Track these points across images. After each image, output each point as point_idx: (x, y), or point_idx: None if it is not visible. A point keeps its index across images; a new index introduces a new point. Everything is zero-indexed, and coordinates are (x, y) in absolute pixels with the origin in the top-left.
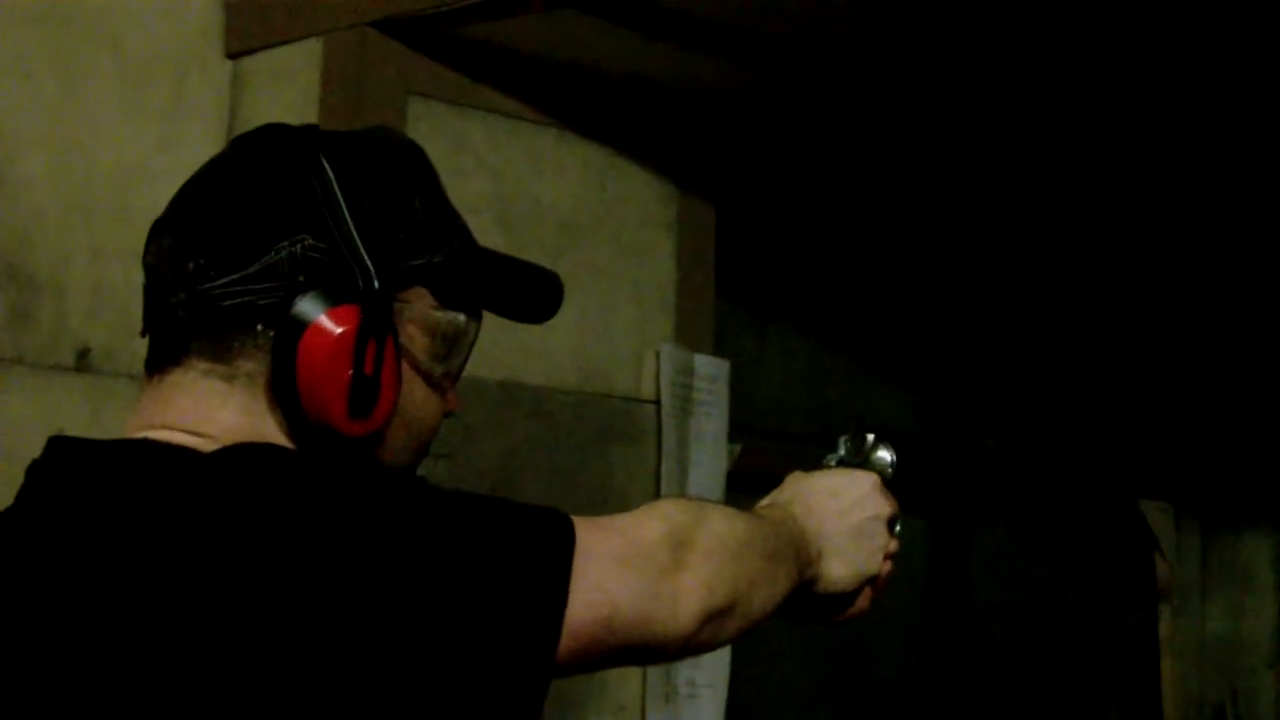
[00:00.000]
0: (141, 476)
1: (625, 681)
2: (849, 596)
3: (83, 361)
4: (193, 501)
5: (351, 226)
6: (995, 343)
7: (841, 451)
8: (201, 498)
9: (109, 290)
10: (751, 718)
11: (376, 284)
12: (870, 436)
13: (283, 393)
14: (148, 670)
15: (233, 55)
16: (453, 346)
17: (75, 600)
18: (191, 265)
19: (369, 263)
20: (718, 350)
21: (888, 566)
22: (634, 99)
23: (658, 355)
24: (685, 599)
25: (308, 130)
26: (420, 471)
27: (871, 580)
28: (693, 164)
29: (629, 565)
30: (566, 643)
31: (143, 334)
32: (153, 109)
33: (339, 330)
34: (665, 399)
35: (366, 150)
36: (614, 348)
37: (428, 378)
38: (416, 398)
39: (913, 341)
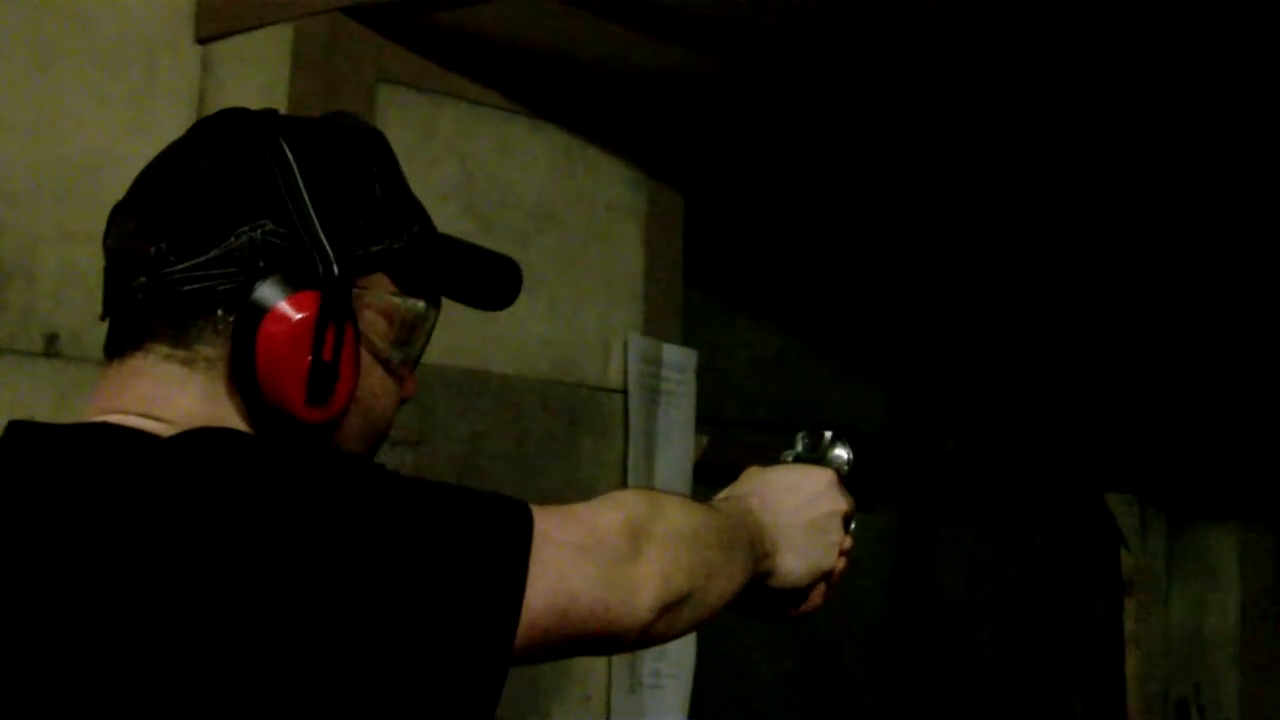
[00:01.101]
0: (99, 461)
1: (591, 671)
2: (803, 592)
3: (51, 346)
4: (150, 487)
5: (311, 212)
6: (962, 335)
7: (799, 447)
8: (159, 483)
9: (78, 275)
10: (717, 708)
11: (336, 270)
12: (828, 434)
13: (242, 378)
14: (101, 654)
15: (203, 40)
16: (412, 333)
17: (31, 585)
18: (153, 249)
19: (329, 249)
20: (686, 340)
21: (842, 563)
22: (604, 88)
23: (625, 344)
24: (642, 588)
25: (268, 115)
26: (387, 459)
27: (825, 576)
28: (662, 153)
29: (587, 554)
30: (524, 631)
31: (103, 317)
32: (124, 93)
33: (298, 316)
34: (632, 388)
35: (327, 136)
36: (582, 336)
37: (386, 364)
38: (374, 384)
39: (881, 333)
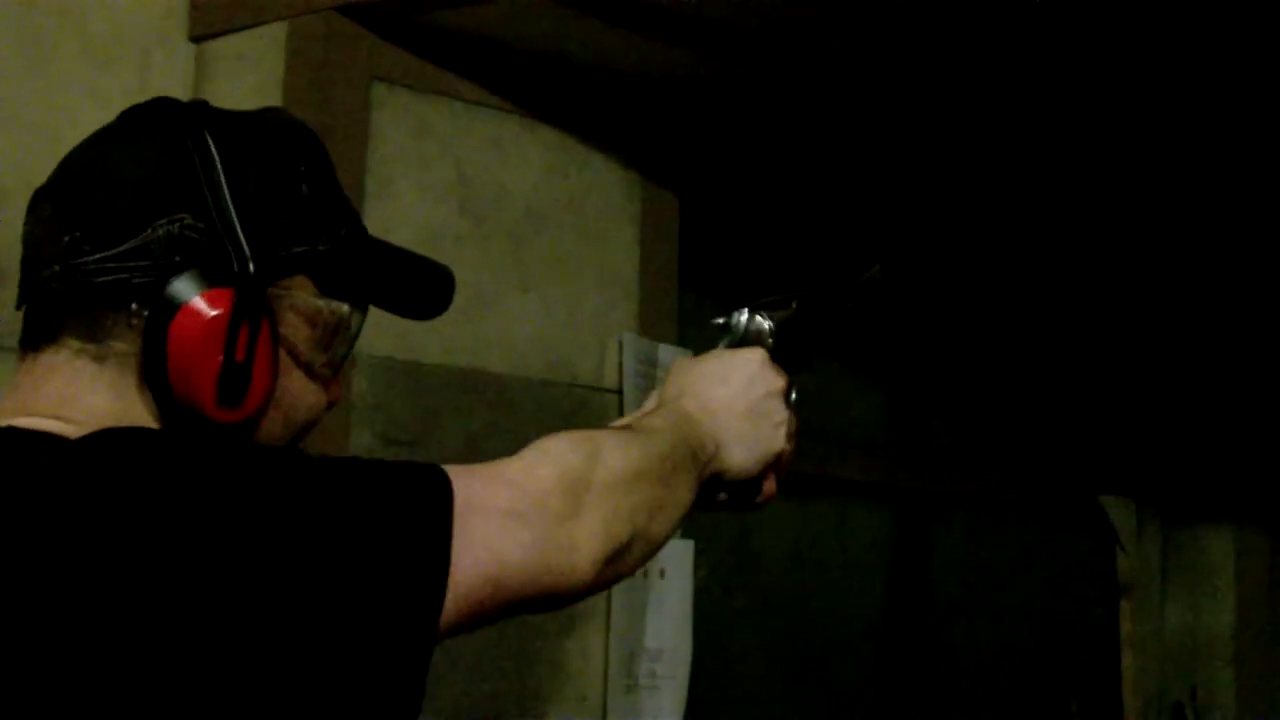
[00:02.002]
0: (4, 467)
1: (587, 672)
2: (756, 481)
3: None
4: (53, 490)
5: (231, 208)
6: (960, 335)
7: (721, 336)
8: (62, 485)
9: None
10: (713, 709)
11: (252, 268)
12: (742, 314)
13: (153, 376)
14: (10, 659)
15: (197, 38)
16: (334, 336)
17: None
18: (67, 238)
19: (245, 246)
20: (681, 341)
21: (790, 445)
22: (599, 88)
23: (620, 344)
24: (583, 545)
25: (197, 106)
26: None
27: (777, 459)
28: (657, 154)
29: (518, 518)
30: (455, 605)
31: (18, 306)
32: (117, 91)
33: (211, 314)
34: (627, 388)
35: (255, 131)
36: (577, 336)
37: (308, 368)
38: (295, 387)
39: (878, 334)
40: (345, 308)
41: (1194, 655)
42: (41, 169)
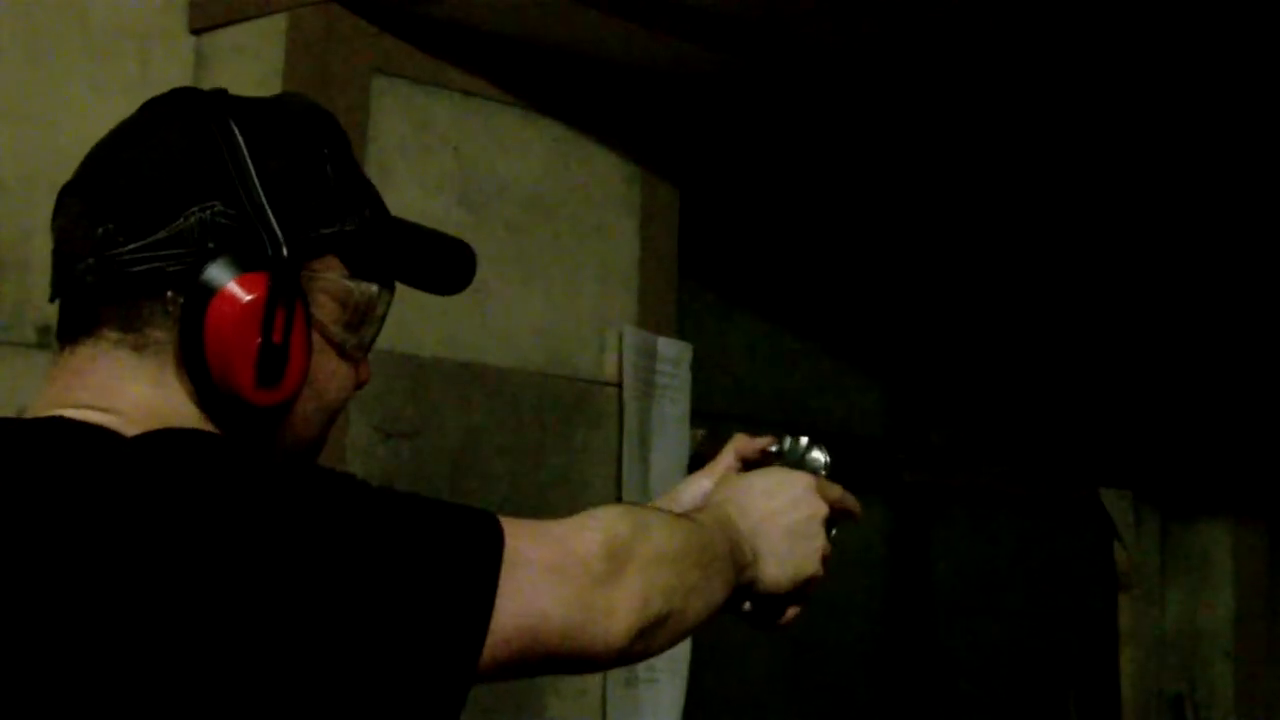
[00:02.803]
0: (60, 460)
1: None
2: (782, 600)
3: (45, 338)
4: (116, 492)
5: (260, 192)
6: (958, 329)
7: (785, 455)
8: (124, 489)
9: None
10: (712, 704)
11: (285, 251)
12: (803, 439)
13: (191, 361)
14: (57, 657)
15: (197, 30)
16: (364, 316)
17: None
18: (100, 231)
19: (278, 229)
20: (680, 333)
21: (822, 571)
22: (599, 80)
23: (620, 337)
24: (619, 612)
25: (218, 95)
26: (382, 451)
27: (807, 583)
28: (657, 146)
29: (561, 576)
30: (492, 651)
31: (51, 300)
32: (118, 83)
33: (247, 298)
34: (627, 381)
35: (277, 116)
36: (576, 329)
37: (339, 348)
38: (327, 368)
39: (877, 327)
40: (374, 287)
41: (1193, 649)
42: (41, 161)
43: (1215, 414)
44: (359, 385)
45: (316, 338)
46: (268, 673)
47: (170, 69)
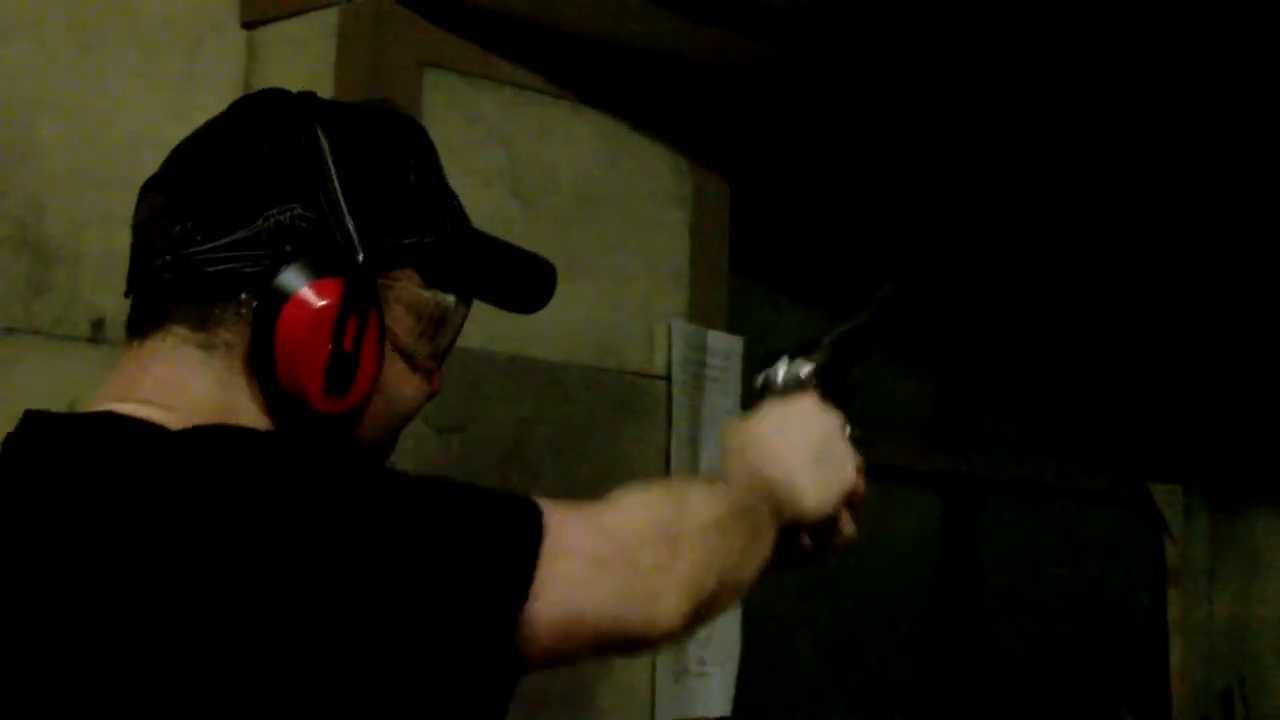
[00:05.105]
0: (103, 456)
1: (635, 661)
2: (833, 524)
3: (96, 331)
4: (152, 484)
5: (341, 199)
6: (1010, 321)
7: (764, 391)
8: (161, 481)
9: (123, 259)
10: (761, 697)
11: (361, 259)
12: (780, 365)
13: (260, 364)
14: (98, 651)
15: (248, 24)
16: (439, 328)
17: (32, 582)
18: (179, 228)
19: (355, 237)
20: (731, 326)
21: (860, 480)
22: (648, 72)
23: (669, 331)
24: (669, 596)
25: (307, 98)
26: (433, 445)
27: (850, 495)
28: (707, 138)
29: (606, 566)
30: (534, 642)
31: (127, 294)
32: (167, 77)
33: (321, 303)
34: (676, 375)
35: (364, 123)
36: (626, 322)
37: (411, 359)
38: (398, 378)
39: (929, 319)
40: (450, 300)
41: (1242, 643)
42: (92, 155)
43: (1266, 406)
44: (431, 396)
45: (389, 347)
46: (302, 668)
47: (221, 63)
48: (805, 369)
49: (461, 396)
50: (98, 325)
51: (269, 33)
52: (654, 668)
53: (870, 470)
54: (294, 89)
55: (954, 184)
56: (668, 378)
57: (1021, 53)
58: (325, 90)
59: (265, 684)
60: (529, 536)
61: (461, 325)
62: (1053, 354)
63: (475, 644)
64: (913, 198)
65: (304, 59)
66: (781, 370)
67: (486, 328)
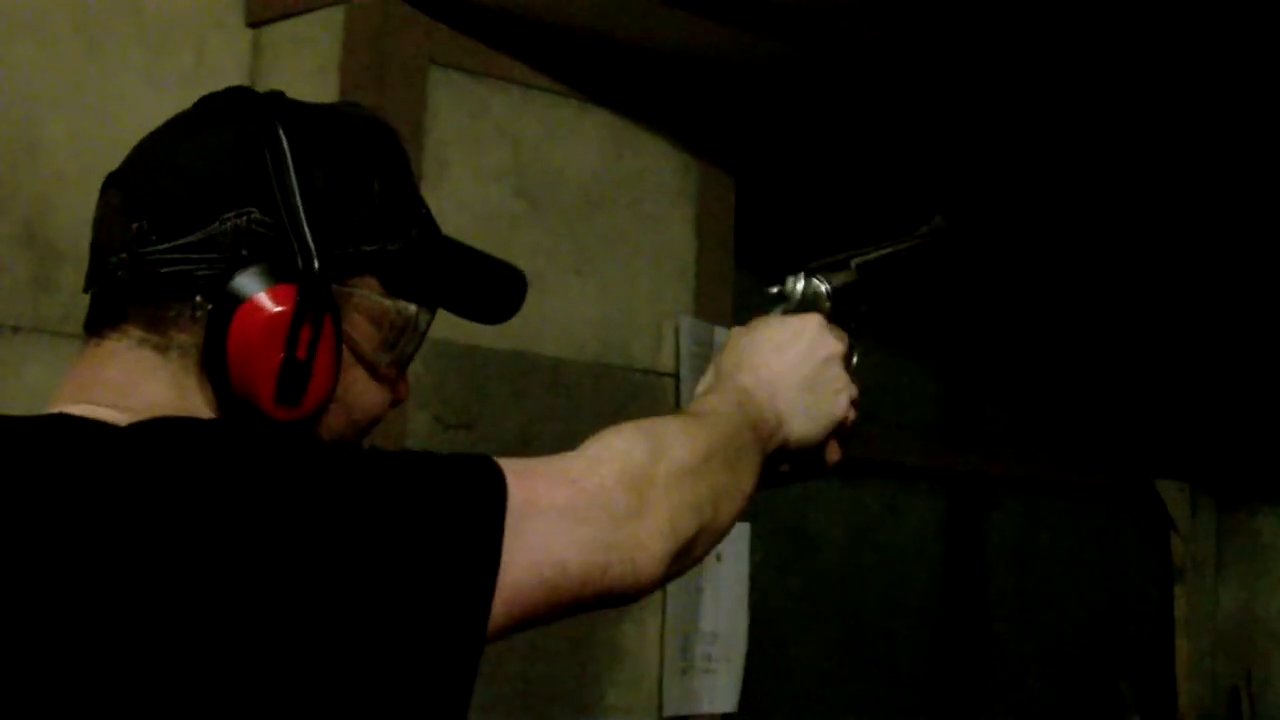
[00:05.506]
0: (53, 456)
1: (642, 655)
2: (819, 449)
3: None
4: (102, 477)
5: (299, 203)
6: (1015, 318)
7: (776, 304)
8: (111, 473)
9: None
10: (767, 693)
11: (316, 265)
12: (800, 277)
13: (213, 369)
14: (54, 652)
15: (254, 23)
16: (400, 336)
17: None
18: (135, 226)
19: (311, 243)
20: (737, 322)
21: (853, 412)
22: (653, 70)
23: (676, 327)
24: (648, 544)
25: (272, 98)
26: (440, 441)
27: (839, 426)
28: (712, 135)
29: (579, 518)
30: (506, 607)
31: (85, 290)
32: (174, 75)
33: (274, 310)
34: (684, 372)
35: (329, 125)
36: (632, 319)
37: (371, 368)
38: (357, 387)
39: (934, 317)
40: (412, 308)
41: (1249, 640)
42: (98, 153)
43: (1272, 404)
44: (395, 403)
45: (347, 355)
46: (264, 647)
47: (226, 61)
48: (824, 286)
49: (468, 394)
50: None
51: (274, 31)
52: (662, 662)
53: (876, 468)
54: (299, 87)
55: (960, 181)
56: (675, 374)
57: (1028, 52)
58: (330, 89)
59: (229, 669)
60: (492, 498)
61: (426, 332)
62: (1059, 352)
63: (448, 620)
64: (917, 195)
65: (309, 57)
66: (799, 284)
67: (493, 326)
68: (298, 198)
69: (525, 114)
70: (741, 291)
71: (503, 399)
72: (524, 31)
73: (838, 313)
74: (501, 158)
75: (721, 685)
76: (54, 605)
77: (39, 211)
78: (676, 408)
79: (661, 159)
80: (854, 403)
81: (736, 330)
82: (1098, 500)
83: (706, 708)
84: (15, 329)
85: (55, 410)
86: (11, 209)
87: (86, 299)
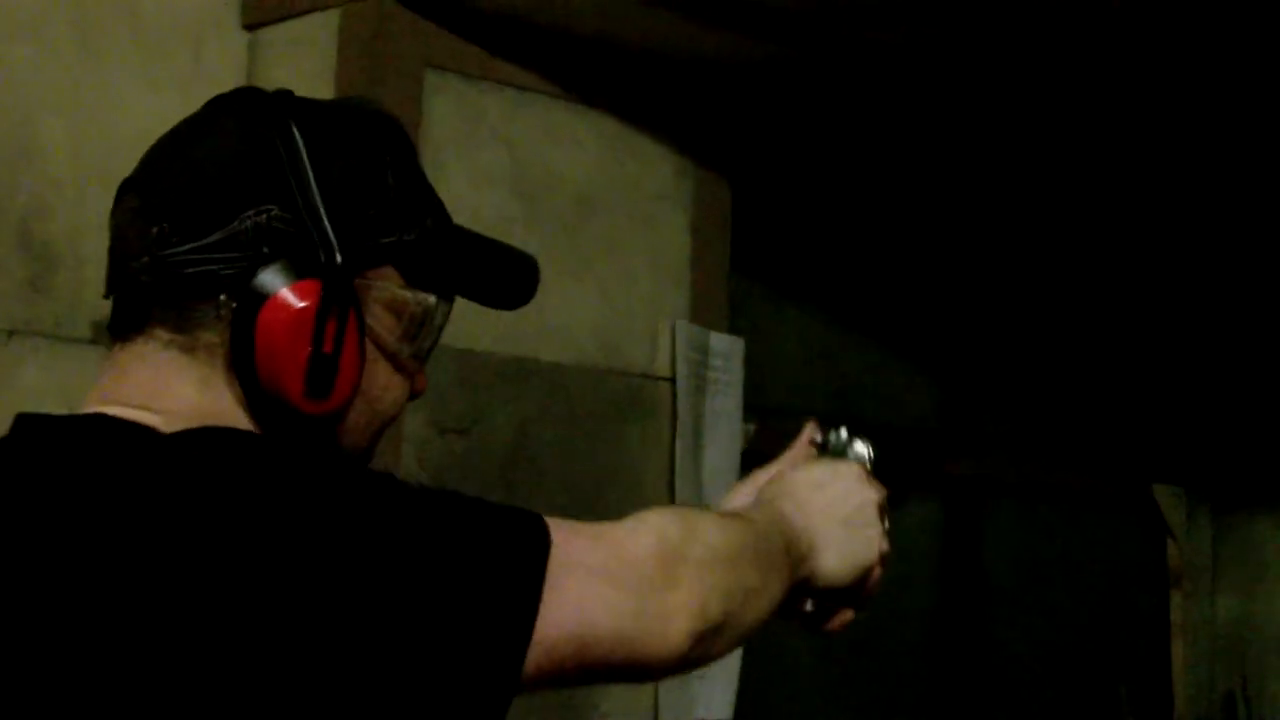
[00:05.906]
0: (97, 457)
1: None
2: (842, 595)
3: (98, 334)
4: (150, 488)
5: (318, 199)
6: (1011, 324)
7: (827, 446)
8: (159, 484)
9: None
10: (763, 699)
11: (339, 259)
12: (844, 431)
13: (241, 367)
14: (94, 656)
15: (250, 25)
16: (421, 328)
17: (26, 585)
18: (155, 230)
19: (332, 237)
20: (732, 327)
21: (880, 568)
22: (650, 73)
23: (672, 332)
24: (675, 619)
25: (282, 96)
26: (436, 447)
27: (867, 575)
28: (708, 139)
29: (613, 582)
30: (537, 660)
31: (106, 296)
32: (170, 78)
33: (299, 305)
34: (680, 376)
35: (340, 121)
36: (629, 323)
37: (393, 359)
38: (381, 378)
39: (929, 320)
40: (432, 299)
41: (1245, 645)
42: (94, 157)
43: (1268, 409)
44: (414, 395)
45: (370, 348)
46: (303, 683)
47: (223, 64)
48: (866, 450)
49: (464, 398)
50: (99, 327)
51: (271, 34)
52: None
53: (873, 472)
54: (296, 89)
55: (956, 185)
56: (671, 379)
57: (1027, 55)
58: (326, 91)
59: (266, 694)
60: (535, 551)
61: (444, 324)
62: (1055, 356)
63: (483, 665)
64: (914, 198)
65: (306, 60)
66: (843, 437)
67: (489, 329)
68: (316, 194)
69: (521, 117)
70: (736, 296)
71: (498, 404)
72: (520, 35)
73: (876, 474)
74: (498, 161)
75: (717, 692)
76: (88, 615)
77: (35, 215)
78: (673, 412)
79: (658, 163)
80: (883, 558)
81: (775, 474)
82: (1095, 505)
83: (701, 715)
84: (10, 332)
85: (91, 411)
86: (7, 212)
87: (83, 301)
